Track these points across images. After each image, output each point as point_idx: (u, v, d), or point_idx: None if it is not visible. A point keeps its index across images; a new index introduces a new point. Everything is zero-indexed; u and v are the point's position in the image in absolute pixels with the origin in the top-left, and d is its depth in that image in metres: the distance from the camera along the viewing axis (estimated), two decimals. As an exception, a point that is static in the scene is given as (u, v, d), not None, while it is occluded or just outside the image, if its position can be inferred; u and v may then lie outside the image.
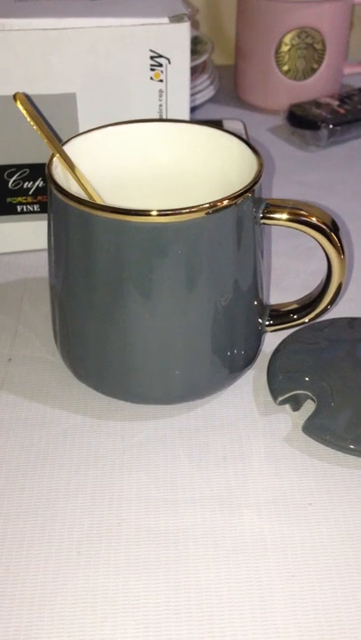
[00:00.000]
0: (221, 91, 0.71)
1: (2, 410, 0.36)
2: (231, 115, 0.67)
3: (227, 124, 0.61)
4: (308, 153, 0.62)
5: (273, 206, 0.33)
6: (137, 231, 0.30)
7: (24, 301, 0.44)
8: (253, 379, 0.38)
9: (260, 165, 0.33)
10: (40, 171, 0.45)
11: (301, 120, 0.63)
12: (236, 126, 0.61)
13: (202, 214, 0.30)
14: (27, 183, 0.45)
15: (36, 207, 0.46)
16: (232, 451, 0.34)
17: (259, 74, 0.68)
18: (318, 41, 0.65)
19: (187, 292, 0.32)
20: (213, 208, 0.30)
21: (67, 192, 0.31)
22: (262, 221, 0.34)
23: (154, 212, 0.30)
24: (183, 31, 0.42)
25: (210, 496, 0.32)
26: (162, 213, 0.30)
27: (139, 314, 0.32)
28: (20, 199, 0.46)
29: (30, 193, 0.46)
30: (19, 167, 0.45)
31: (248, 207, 0.32)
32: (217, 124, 0.61)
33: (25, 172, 0.45)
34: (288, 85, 0.67)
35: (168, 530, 0.31)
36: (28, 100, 0.35)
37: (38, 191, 0.46)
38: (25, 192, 0.46)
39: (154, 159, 0.38)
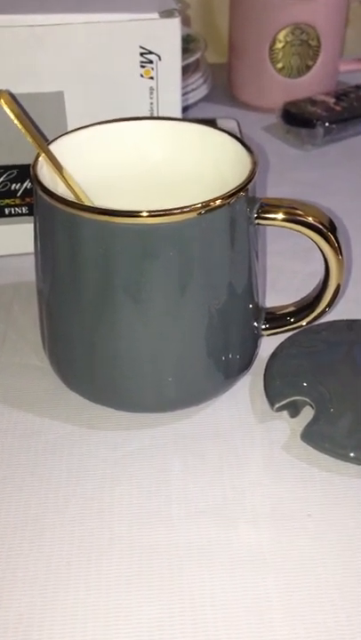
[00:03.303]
0: (215, 89, 0.70)
1: (-11, 419, 0.35)
2: (225, 113, 0.66)
3: (221, 123, 0.60)
4: (304, 151, 0.61)
5: (268, 206, 0.33)
6: (126, 233, 0.29)
7: (13, 306, 0.43)
8: (250, 384, 0.37)
9: (254, 164, 0.32)
10: (28, 172, 0.44)
11: (297, 118, 0.62)
12: (231, 125, 0.60)
13: (194, 215, 0.29)
14: (14, 185, 0.44)
15: (24, 209, 0.45)
16: (228, 460, 0.33)
17: (253, 71, 0.67)
18: (313, 37, 0.64)
19: (179, 296, 0.31)
20: (206, 208, 0.30)
21: (52, 193, 0.30)
22: (257, 221, 0.33)
23: (144, 213, 0.29)
24: (174, 26, 0.41)
25: (205, 508, 0.31)
26: (152, 214, 0.29)
27: (129, 319, 0.32)
28: (7, 201, 0.45)
29: (18, 195, 0.45)
30: (6, 168, 0.44)
31: (242, 207, 0.31)
32: (211, 123, 0.61)
33: (12, 173, 0.44)
34: (283, 83, 0.66)
35: (161, 543, 0.30)
36: (13, 100, 0.34)
37: (26, 193, 0.45)
38: (13, 194, 0.45)
39: (145, 158, 0.37)
